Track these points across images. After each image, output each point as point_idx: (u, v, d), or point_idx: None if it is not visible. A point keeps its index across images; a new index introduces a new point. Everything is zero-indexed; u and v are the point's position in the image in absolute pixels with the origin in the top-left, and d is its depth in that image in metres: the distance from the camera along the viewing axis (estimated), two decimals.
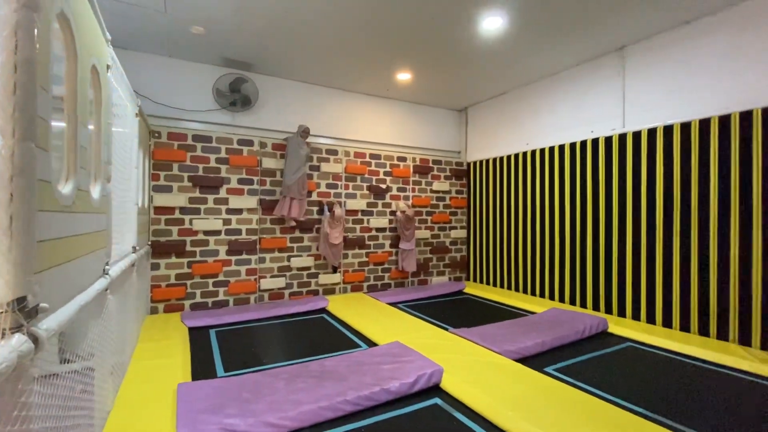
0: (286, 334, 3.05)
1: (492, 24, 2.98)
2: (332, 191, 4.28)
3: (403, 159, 4.77)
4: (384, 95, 4.64)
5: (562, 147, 3.91)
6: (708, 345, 2.62)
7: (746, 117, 2.65)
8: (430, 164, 4.99)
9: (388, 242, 4.61)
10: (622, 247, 3.36)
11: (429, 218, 4.95)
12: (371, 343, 2.80)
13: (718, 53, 2.80)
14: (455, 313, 3.72)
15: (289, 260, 4.01)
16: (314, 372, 2.14)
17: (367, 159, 4.52)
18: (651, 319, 3.15)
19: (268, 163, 3.92)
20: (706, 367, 2.39)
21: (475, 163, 5.09)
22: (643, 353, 2.64)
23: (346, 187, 4.37)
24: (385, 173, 4.63)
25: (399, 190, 4.72)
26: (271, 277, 3.92)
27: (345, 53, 3.50)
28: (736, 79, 2.72)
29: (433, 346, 2.60)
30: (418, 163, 4.88)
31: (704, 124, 2.86)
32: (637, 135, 3.27)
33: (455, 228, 5.18)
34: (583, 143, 3.70)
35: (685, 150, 2.96)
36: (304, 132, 3.96)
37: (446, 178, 5.11)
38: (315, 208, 4.16)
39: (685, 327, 2.94)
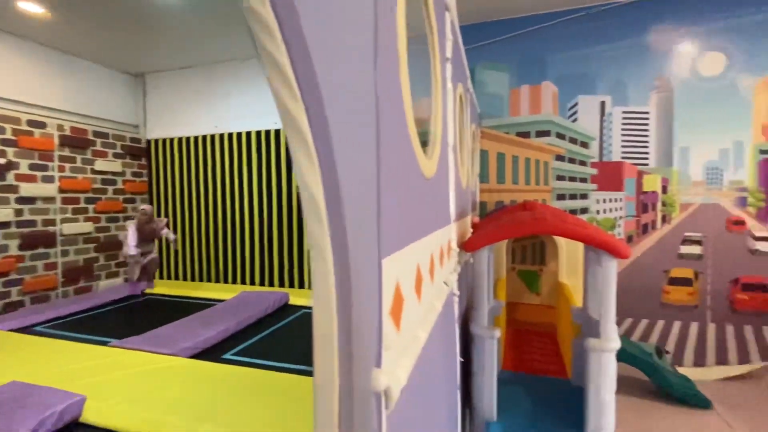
0: None
1: None
2: None
3: (40, 125, 3.45)
4: (5, 29, 3.14)
5: (249, 134, 3.99)
6: None
7: None
8: (91, 136, 3.87)
9: (14, 242, 3.23)
10: (300, 227, 3.84)
11: (91, 207, 3.86)
12: None
13: None
14: (129, 321, 3.09)
15: None
16: None
17: None
18: None
19: None
20: None
21: (157, 141, 4.39)
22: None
23: None
24: (5, 142, 3.19)
25: (34, 167, 3.39)
26: None
27: None
28: None
29: (80, 371, 2.02)
30: (68, 132, 3.67)
31: None
32: None
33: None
34: (267, 132, 3.93)
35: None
36: None
37: (117, 156, 4.14)
38: None
39: None
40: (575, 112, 3.09)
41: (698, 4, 2.80)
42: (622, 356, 2.47)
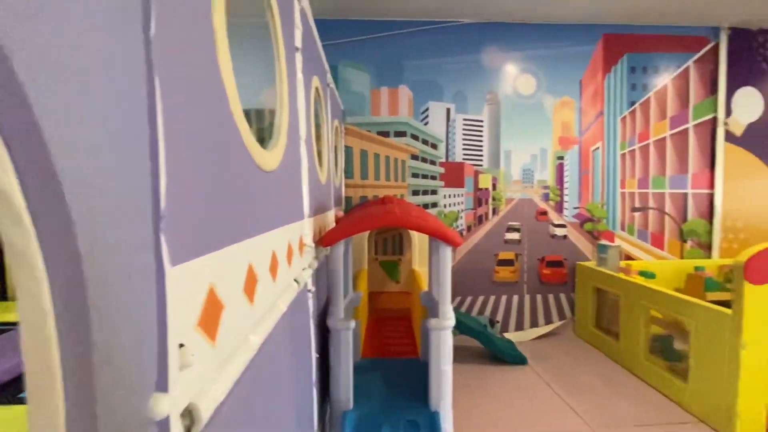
0: None
1: None
2: None
3: None
4: None
5: None
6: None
7: None
8: None
9: None
10: None
11: None
12: None
13: None
14: None
15: None
16: None
17: None
18: None
19: None
20: None
21: None
22: None
23: None
24: None
25: None
26: None
27: None
28: None
29: None
30: None
31: None
32: None
33: None
34: None
35: None
36: None
37: None
38: None
39: None
40: (427, 116, 3.42)
41: (517, 33, 3.41)
42: (463, 330, 2.87)
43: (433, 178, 3.46)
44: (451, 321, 1.54)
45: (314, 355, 1.46)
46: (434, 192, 3.46)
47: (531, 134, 3.50)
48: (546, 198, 3.57)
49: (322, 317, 1.70)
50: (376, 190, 3.42)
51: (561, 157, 3.55)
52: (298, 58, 1.38)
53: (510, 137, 3.50)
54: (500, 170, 3.54)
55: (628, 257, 3.57)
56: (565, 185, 3.57)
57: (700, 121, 3.58)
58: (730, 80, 3.55)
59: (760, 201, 3.64)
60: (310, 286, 1.42)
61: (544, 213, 3.56)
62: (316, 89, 1.86)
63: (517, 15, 3.28)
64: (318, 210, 1.70)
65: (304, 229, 1.37)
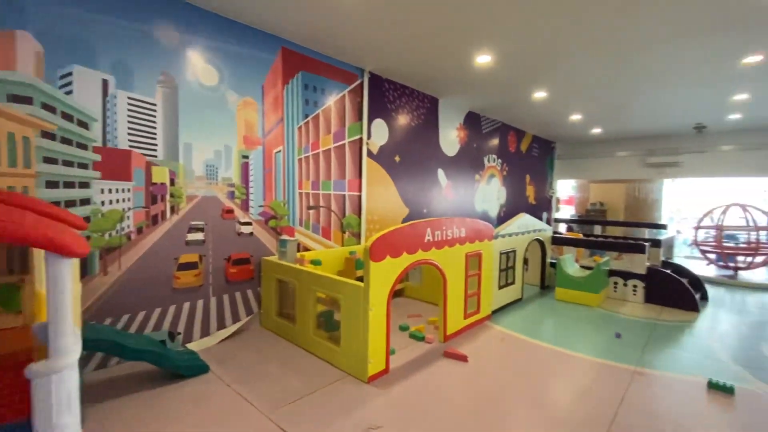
0: None
1: None
2: None
3: None
4: None
5: None
6: None
7: None
8: None
9: None
10: None
11: None
12: None
13: None
14: None
15: None
16: None
17: None
18: None
19: None
20: None
21: None
22: None
23: None
24: None
25: None
26: None
27: None
28: None
29: None
30: None
31: None
32: None
33: None
34: None
35: None
36: None
37: None
38: None
39: None
40: (70, 83, 2.57)
41: (198, 16, 3.14)
42: (129, 355, 2.36)
43: (83, 166, 2.65)
44: (68, 359, 1.16)
45: None
46: (85, 185, 2.66)
47: (214, 129, 3.34)
48: (232, 196, 3.52)
49: None
50: None
51: (246, 156, 3.60)
52: None
53: (191, 129, 3.19)
54: (179, 164, 3.16)
55: (306, 249, 4.10)
56: (251, 184, 3.65)
57: (352, 139, 4.60)
58: (370, 111, 4.77)
59: (387, 201, 5.12)
60: None
61: (231, 211, 3.50)
62: None
63: None
64: None
65: None
